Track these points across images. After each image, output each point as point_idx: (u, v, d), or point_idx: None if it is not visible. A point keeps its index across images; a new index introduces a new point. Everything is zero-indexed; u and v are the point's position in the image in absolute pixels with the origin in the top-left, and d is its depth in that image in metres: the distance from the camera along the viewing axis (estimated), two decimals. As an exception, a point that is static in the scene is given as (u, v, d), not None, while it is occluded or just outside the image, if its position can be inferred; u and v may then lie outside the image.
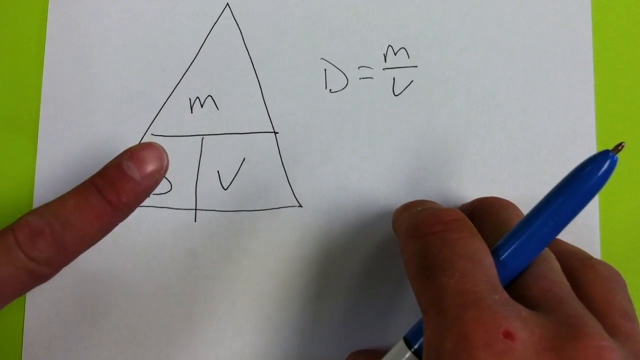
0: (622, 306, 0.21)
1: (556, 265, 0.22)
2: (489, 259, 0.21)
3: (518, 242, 0.21)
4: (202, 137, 0.30)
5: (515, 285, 0.21)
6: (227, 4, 0.30)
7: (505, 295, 0.19)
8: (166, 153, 0.25)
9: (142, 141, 0.30)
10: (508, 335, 0.17)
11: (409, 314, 0.29)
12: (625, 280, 0.22)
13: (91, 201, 0.23)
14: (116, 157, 0.24)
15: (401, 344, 0.22)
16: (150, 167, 0.24)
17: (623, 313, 0.21)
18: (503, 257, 0.21)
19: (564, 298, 0.20)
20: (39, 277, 0.24)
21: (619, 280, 0.22)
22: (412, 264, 0.21)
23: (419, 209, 0.24)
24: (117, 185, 0.24)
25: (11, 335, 0.29)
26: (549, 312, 0.19)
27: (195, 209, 0.30)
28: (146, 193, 0.24)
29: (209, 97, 0.30)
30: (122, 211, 0.24)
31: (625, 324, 0.20)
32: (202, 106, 0.30)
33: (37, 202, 0.30)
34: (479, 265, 0.19)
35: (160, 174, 0.24)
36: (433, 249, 0.20)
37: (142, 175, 0.24)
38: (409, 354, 0.22)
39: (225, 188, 0.30)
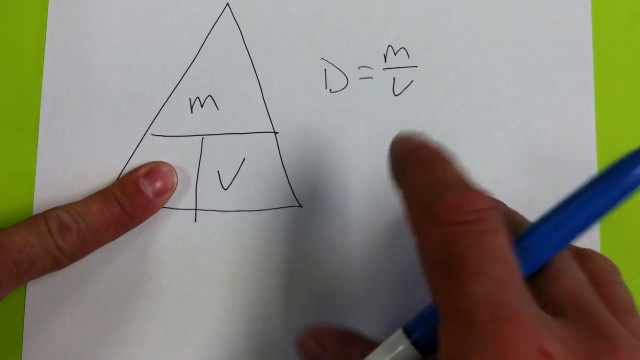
0: (627, 301, 0.20)
1: (574, 262, 0.20)
2: (515, 259, 0.18)
3: (547, 228, 0.20)
4: (202, 137, 0.30)
5: (536, 281, 0.19)
6: (227, 4, 0.30)
7: (535, 304, 0.17)
8: (176, 174, 0.29)
9: (142, 141, 0.30)
10: (545, 354, 0.16)
11: (410, 313, 0.29)
12: (619, 269, 0.22)
13: (112, 210, 0.28)
14: (134, 171, 0.29)
15: (399, 333, 0.21)
16: (162, 187, 0.29)
17: (630, 308, 0.20)
18: (527, 246, 0.19)
19: (590, 302, 0.19)
20: (58, 265, 0.27)
21: (617, 271, 0.21)
22: (433, 257, 0.18)
23: (439, 175, 0.20)
24: (134, 200, 0.28)
25: (11, 334, 0.29)
26: (577, 320, 0.18)
27: (195, 209, 0.30)
28: (156, 209, 0.29)
29: (209, 97, 0.30)
30: (135, 222, 0.28)
31: (632, 321, 0.19)
32: (202, 106, 0.30)
33: (37, 202, 0.30)
34: (510, 270, 0.17)
35: (170, 193, 0.29)
36: (461, 246, 0.17)
37: (155, 194, 0.28)
38: (407, 343, 0.20)
39: (225, 188, 0.30)
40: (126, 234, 0.29)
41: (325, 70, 0.30)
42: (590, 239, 0.29)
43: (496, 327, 0.16)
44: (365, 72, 0.30)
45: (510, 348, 0.15)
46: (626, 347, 0.17)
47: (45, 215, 0.27)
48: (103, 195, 0.28)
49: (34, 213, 0.29)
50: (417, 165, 0.21)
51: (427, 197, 0.19)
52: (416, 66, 0.30)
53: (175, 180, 0.29)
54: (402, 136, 0.23)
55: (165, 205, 0.29)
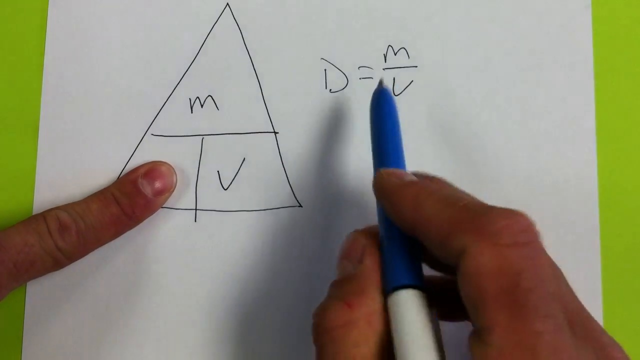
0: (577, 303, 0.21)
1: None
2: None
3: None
4: (202, 137, 0.30)
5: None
6: (227, 4, 0.30)
7: (574, 342, 0.18)
8: (175, 173, 0.29)
9: (142, 141, 0.30)
10: None
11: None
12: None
13: (111, 209, 0.28)
14: (133, 171, 0.29)
15: (399, 296, 0.20)
16: (161, 187, 0.29)
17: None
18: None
19: (587, 320, 0.20)
20: (58, 265, 0.27)
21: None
22: (495, 283, 0.18)
23: (465, 202, 0.20)
24: (132, 200, 0.28)
25: (11, 334, 0.29)
26: (588, 341, 0.19)
27: (195, 209, 0.30)
28: (155, 209, 0.29)
29: (209, 97, 0.30)
30: (134, 221, 0.28)
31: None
32: (202, 106, 0.30)
33: (37, 202, 0.30)
34: (560, 306, 0.18)
35: (169, 192, 0.29)
36: (525, 279, 0.17)
37: (154, 193, 0.28)
38: (410, 294, 0.19)
39: (225, 188, 0.30)
40: (126, 233, 0.29)
41: (325, 70, 0.30)
42: (590, 239, 0.29)
43: None
44: (365, 72, 0.30)
45: None
46: None
47: (44, 215, 0.27)
48: (102, 195, 0.28)
49: (34, 213, 0.29)
50: (436, 189, 0.21)
51: (473, 217, 0.19)
52: (416, 66, 0.30)
53: (175, 180, 0.29)
54: (388, 171, 0.23)
55: (165, 205, 0.29)
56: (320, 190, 0.29)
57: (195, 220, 0.30)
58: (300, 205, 0.29)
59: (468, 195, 0.22)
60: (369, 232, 0.23)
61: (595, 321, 0.20)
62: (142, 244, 0.29)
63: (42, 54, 0.30)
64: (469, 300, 0.18)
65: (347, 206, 0.29)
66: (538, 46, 0.30)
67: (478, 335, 0.18)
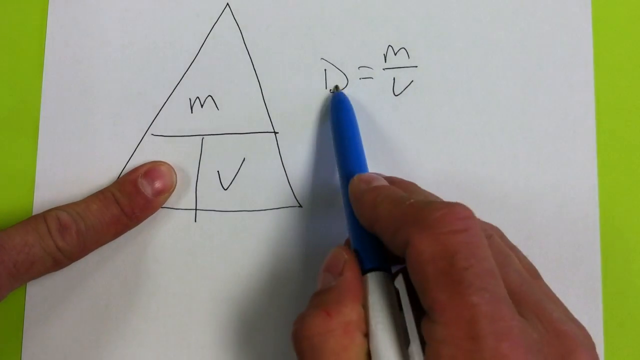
0: (531, 268, 0.23)
1: (501, 251, 0.22)
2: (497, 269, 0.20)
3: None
4: (202, 137, 0.30)
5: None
6: (227, 4, 0.30)
7: (517, 314, 0.19)
8: (175, 173, 0.29)
9: (142, 141, 0.30)
10: None
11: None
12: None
13: (111, 210, 0.28)
14: (133, 171, 0.29)
15: (376, 277, 0.22)
16: (161, 187, 0.29)
17: (535, 274, 0.23)
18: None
19: (539, 300, 0.21)
20: (58, 265, 0.27)
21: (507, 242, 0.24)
22: (433, 267, 0.19)
23: (411, 200, 0.22)
24: (132, 200, 0.28)
25: (11, 334, 0.29)
26: (538, 321, 0.20)
27: (195, 209, 0.30)
28: (155, 209, 0.29)
29: (209, 97, 0.30)
30: (134, 221, 0.28)
31: (540, 282, 0.23)
32: (202, 106, 0.30)
33: (37, 202, 0.30)
34: (499, 281, 0.19)
35: (169, 192, 0.29)
36: (460, 259, 0.19)
37: (154, 193, 0.28)
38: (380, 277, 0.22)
39: (225, 188, 0.30)
40: (126, 233, 0.29)
41: (325, 70, 0.30)
42: (590, 239, 0.29)
43: (499, 344, 0.17)
44: (365, 72, 0.30)
45: None
46: (583, 347, 0.19)
47: (44, 215, 0.27)
48: (102, 195, 0.28)
49: (34, 213, 0.29)
50: (390, 192, 0.23)
51: (416, 212, 0.21)
52: (416, 66, 0.30)
53: (175, 180, 0.29)
54: (361, 177, 0.25)
55: (165, 205, 0.29)
56: (320, 190, 0.29)
57: (195, 220, 0.30)
58: (300, 205, 0.29)
59: (425, 195, 0.25)
60: (350, 248, 0.24)
61: (553, 308, 0.21)
62: (142, 244, 0.29)
63: (42, 54, 0.30)
64: (416, 286, 0.20)
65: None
66: (538, 46, 0.30)
67: (427, 317, 0.19)
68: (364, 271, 0.23)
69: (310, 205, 0.29)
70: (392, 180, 0.26)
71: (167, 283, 0.29)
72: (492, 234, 0.23)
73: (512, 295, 0.20)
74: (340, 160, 0.27)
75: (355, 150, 0.27)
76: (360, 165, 0.26)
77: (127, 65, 0.30)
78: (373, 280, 0.22)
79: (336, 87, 0.29)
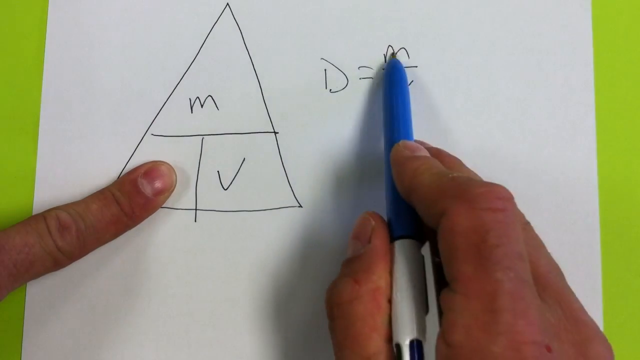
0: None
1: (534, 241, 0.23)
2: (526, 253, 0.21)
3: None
4: (202, 137, 0.30)
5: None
6: (227, 4, 0.30)
7: (538, 298, 0.19)
8: (175, 173, 0.29)
9: (142, 141, 0.30)
10: (548, 349, 0.18)
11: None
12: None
13: (111, 209, 0.28)
14: (133, 171, 0.29)
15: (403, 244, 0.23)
16: (161, 187, 0.29)
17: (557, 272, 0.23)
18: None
19: (561, 287, 0.21)
20: (58, 265, 0.27)
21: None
22: (465, 239, 0.19)
23: (454, 174, 0.22)
24: (132, 200, 0.28)
25: (11, 334, 0.29)
26: (558, 307, 0.20)
27: (195, 209, 0.30)
28: (155, 208, 0.29)
29: (209, 97, 0.30)
30: (134, 221, 0.28)
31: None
32: (202, 106, 0.30)
33: (37, 202, 0.30)
34: (526, 265, 0.19)
35: (169, 192, 0.29)
36: (492, 237, 0.19)
37: (154, 193, 0.28)
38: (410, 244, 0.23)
39: (225, 188, 0.30)
40: (126, 233, 0.29)
41: (325, 70, 0.30)
42: (590, 239, 0.29)
43: (516, 321, 0.18)
44: (365, 72, 0.30)
45: (527, 343, 0.18)
46: (598, 338, 0.20)
47: (44, 215, 0.27)
48: (102, 195, 0.28)
49: (34, 213, 0.29)
50: (433, 164, 0.23)
51: (456, 186, 0.21)
52: (416, 66, 0.30)
53: (174, 180, 0.29)
54: (405, 144, 0.25)
55: (165, 205, 0.29)
56: (320, 190, 0.29)
57: (195, 220, 0.30)
58: (300, 205, 0.29)
59: (468, 172, 0.25)
60: (379, 214, 0.24)
61: (574, 299, 0.21)
62: (142, 244, 0.29)
63: (42, 54, 0.30)
64: (444, 256, 0.20)
65: (347, 206, 0.29)
66: (538, 46, 0.30)
67: (448, 287, 0.20)
68: (393, 238, 0.23)
69: (310, 205, 0.29)
70: (438, 151, 0.26)
71: (167, 283, 0.29)
72: (529, 222, 0.23)
73: (538, 279, 0.20)
74: (387, 125, 0.27)
75: (404, 117, 0.27)
76: (407, 133, 0.27)
77: (127, 65, 0.30)
78: (400, 248, 0.22)
79: (393, 53, 0.29)
